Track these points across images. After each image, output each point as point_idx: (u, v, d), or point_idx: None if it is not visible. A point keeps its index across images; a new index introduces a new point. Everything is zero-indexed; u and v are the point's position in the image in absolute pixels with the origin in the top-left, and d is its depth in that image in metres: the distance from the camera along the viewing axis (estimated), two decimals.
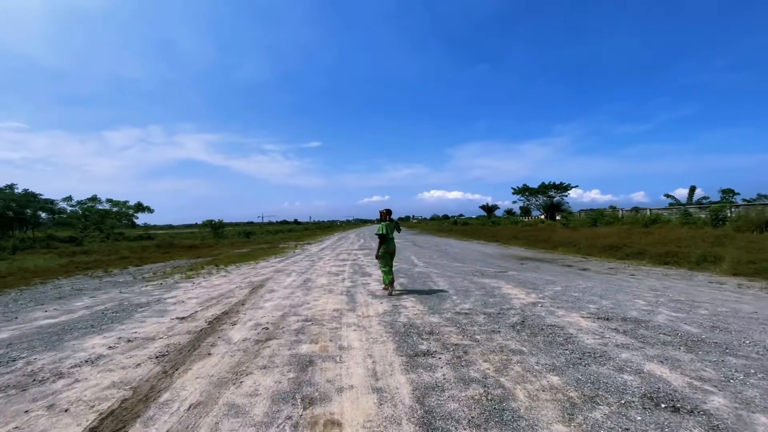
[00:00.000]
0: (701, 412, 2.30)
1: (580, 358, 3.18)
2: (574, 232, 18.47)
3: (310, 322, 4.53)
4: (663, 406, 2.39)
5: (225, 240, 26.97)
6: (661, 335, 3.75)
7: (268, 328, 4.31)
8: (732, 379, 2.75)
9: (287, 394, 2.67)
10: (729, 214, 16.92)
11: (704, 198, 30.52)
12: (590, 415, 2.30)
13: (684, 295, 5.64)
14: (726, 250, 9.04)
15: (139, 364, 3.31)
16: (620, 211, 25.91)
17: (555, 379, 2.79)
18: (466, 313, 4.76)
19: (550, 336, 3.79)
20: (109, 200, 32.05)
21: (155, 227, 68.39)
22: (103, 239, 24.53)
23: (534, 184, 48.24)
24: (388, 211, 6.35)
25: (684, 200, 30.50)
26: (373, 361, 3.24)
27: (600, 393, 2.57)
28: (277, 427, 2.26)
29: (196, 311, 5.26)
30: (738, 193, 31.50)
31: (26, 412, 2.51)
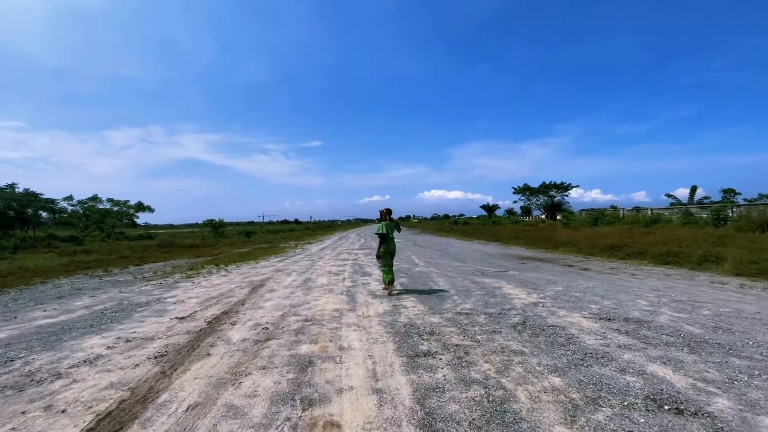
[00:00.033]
0: (705, 414, 2.27)
1: (582, 359, 3.16)
2: (575, 231, 18.42)
3: (309, 322, 4.51)
4: (666, 408, 2.36)
5: (225, 239, 26.99)
6: (664, 336, 3.72)
7: (267, 328, 4.29)
8: (736, 380, 2.72)
9: (286, 395, 2.65)
10: (730, 214, 16.86)
11: (705, 198, 30.54)
12: (593, 417, 2.27)
13: (686, 295, 5.61)
14: (728, 250, 8.99)
15: (137, 365, 3.29)
16: (621, 211, 25.83)
17: (557, 381, 2.77)
18: (466, 314, 4.73)
19: (552, 336, 3.76)
20: (109, 200, 32.11)
21: (156, 227, 68.43)
22: (103, 239, 24.57)
23: (535, 184, 48.18)
24: (389, 211, 6.33)
25: (685, 200, 30.49)
26: (373, 362, 3.21)
27: (602, 394, 2.54)
28: (276, 428, 2.23)
29: (196, 311, 5.24)
30: (739, 193, 31.54)
31: (23, 413, 2.49)
